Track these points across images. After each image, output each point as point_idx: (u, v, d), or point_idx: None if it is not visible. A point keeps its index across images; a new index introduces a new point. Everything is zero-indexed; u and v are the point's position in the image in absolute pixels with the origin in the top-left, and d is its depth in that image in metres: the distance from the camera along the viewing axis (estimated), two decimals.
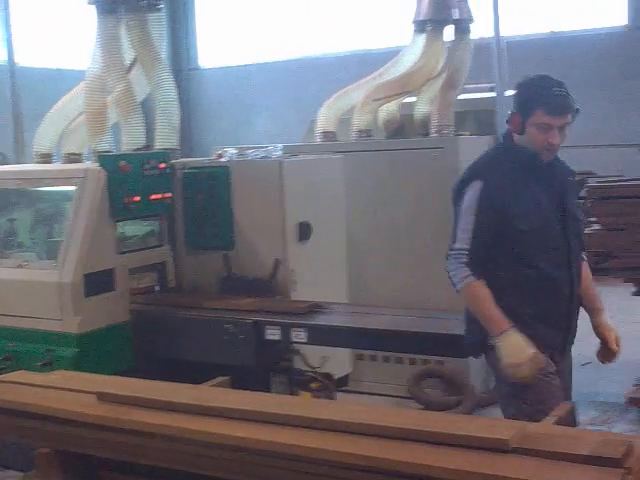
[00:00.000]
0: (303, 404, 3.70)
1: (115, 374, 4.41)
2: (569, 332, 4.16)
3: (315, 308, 5.49)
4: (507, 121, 4.09)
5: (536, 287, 3.98)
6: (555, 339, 4.09)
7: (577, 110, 4.01)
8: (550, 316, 4.03)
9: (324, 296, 5.97)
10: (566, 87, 4.02)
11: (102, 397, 3.49)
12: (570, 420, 3.70)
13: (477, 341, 4.09)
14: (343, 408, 3.39)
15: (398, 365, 7.07)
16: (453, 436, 2.84)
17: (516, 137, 4.05)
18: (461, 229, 3.99)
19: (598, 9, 15.47)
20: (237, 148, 6.64)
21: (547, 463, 2.72)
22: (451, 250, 4.02)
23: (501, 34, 7.39)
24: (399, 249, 7.20)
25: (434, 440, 2.85)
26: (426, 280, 6.97)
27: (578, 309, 4.18)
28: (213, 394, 3.49)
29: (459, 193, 4.06)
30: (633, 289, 6.56)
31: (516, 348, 3.82)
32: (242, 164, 6.28)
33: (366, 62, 10.92)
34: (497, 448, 2.77)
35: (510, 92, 7.73)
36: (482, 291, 3.91)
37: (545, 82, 4.05)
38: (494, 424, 3.01)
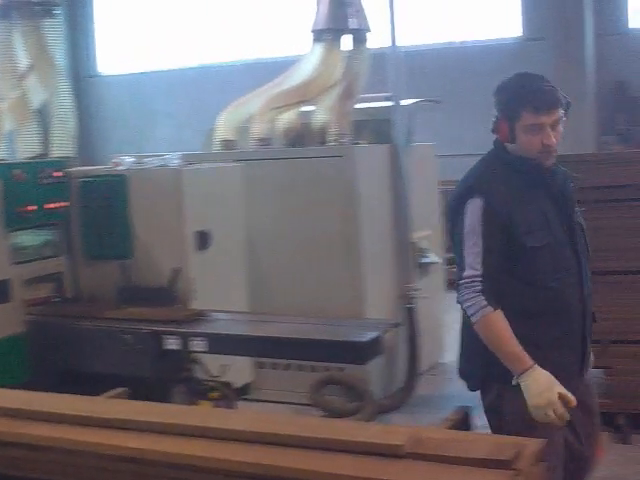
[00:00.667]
0: (197, 413, 3.69)
1: (11, 387, 4.33)
2: (585, 355, 3.82)
3: (199, 316, 5.48)
4: (493, 130, 3.78)
5: (549, 310, 3.64)
6: (572, 365, 3.76)
7: (568, 103, 3.71)
8: (565, 340, 3.70)
9: (225, 304, 5.98)
10: (549, 80, 3.73)
11: None
12: (465, 425, 3.78)
13: (477, 376, 3.83)
14: (238, 417, 3.40)
15: (299, 373, 7.09)
16: (347, 442, 2.87)
17: (509, 146, 3.71)
18: (469, 254, 3.59)
19: (494, 20, 15.81)
20: (135, 157, 6.60)
21: (440, 467, 2.76)
22: (461, 280, 3.61)
23: (400, 44, 7.48)
24: (299, 257, 7.23)
25: (329, 447, 2.87)
26: (326, 288, 7.04)
27: (591, 329, 3.86)
28: (108, 405, 3.46)
29: (457, 213, 3.65)
30: None
31: (544, 387, 3.47)
32: (140, 173, 6.24)
33: (266, 70, 10.92)
34: (391, 453, 2.81)
35: (406, 101, 7.88)
36: (501, 324, 3.53)
37: (525, 79, 3.77)
38: (389, 430, 3.05)
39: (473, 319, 3.57)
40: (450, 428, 3.52)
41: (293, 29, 16.14)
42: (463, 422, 3.83)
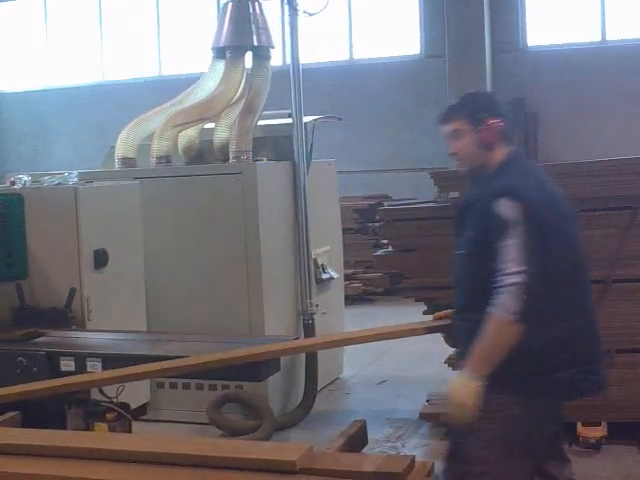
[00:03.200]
0: (92, 437, 3.66)
1: None
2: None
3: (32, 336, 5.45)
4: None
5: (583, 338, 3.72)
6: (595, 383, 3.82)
7: (478, 119, 3.80)
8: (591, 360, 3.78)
9: (122, 324, 5.92)
10: (465, 98, 3.93)
11: None
12: (360, 438, 3.82)
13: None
14: (131, 438, 3.38)
15: (198, 391, 7.05)
16: (241, 460, 2.88)
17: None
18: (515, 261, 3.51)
19: (394, 38, 16.06)
20: (31, 175, 6.50)
21: None
22: (504, 285, 3.50)
23: (303, 61, 7.54)
24: (199, 274, 7.21)
25: (223, 465, 2.88)
26: (225, 305, 7.03)
27: None
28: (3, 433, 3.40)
29: (500, 221, 3.57)
30: (424, 308, 6.80)
31: (475, 393, 3.50)
32: (36, 191, 6.14)
33: (167, 88, 10.91)
34: (284, 470, 2.83)
35: (308, 118, 7.94)
36: (514, 337, 3.49)
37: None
38: (283, 447, 3.08)
39: (501, 312, 3.47)
40: (346, 441, 3.56)
41: (194, 46, 16.15)
42: (360, 435, 3.87)
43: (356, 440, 3.77)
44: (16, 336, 5.48)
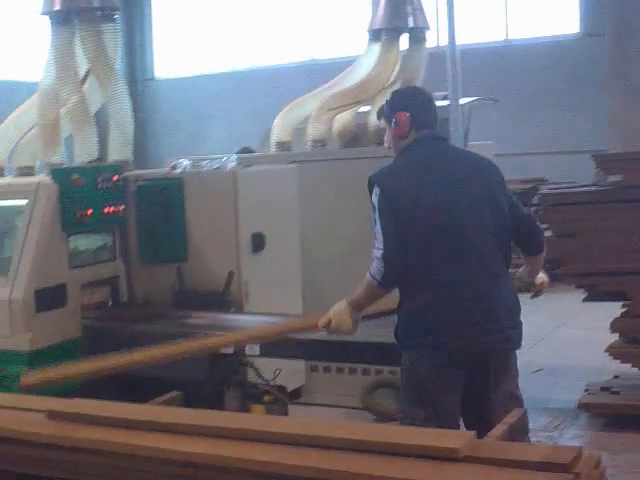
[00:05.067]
0: (252, 418, 3.69)
1: (66, 390, 4.36)
2: None
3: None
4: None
5: None
6: None
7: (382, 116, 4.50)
8: None
9: (278, 308, 5.96)
10: (386, 100, 4.57)
11: (52, 416, 3.45)
12: (521, 427, 3.73)
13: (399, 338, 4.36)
14: (292, 421, 3.38)
15: (351, 376, 7.05)
16: (402, 446, 2.84)
17: None
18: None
19: (551, 17, 15.66)
20: (191, 159, 6.62)
21: (498, 470, 2.73)
22: (372, 258, 4.32)
23: (458, 42, 7.43)
24: (353, 259, 7.18)
25: (384, 451, 2.85)
26: None
27: None
28: (163, 411, 3.46)
29: (371, 205, 4.34)
30: (584, 295, 6.60)
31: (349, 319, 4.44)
32: (196, 176, 6.26)
33: (320, 71, 10.95)
34: (447, 457, 2.78)
35: (464, 100, 7.82)
36: (378, 296, 4.41)
37: None
38: (445, 434, 3.02)
39: (369, 277, 4.30)
40: (507, 431, 3.46)
41: (348, 29, 16.13)
42: (521, 424, 3.78)
43: (517, 429, 3.67)
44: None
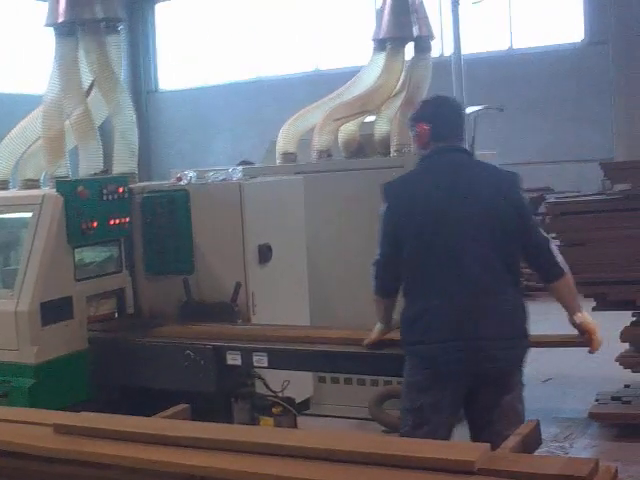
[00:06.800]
0: (261, 431, 3.66)
1: (73, 403, 4.33)
2: None
3: None
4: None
5: None
6: None
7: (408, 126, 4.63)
8: None
9: (285, 319, 5.93)
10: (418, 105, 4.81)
11: (59, 429, 3.42)
12: (534, 438, 3.68)
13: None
14: (303, 434, 3.34)
15: (360, 387, 7.03)
16: (417, 459, 2.80)
17: None
18: None
19: (555, 26, 15.65)
20: (196, 171, 6.59)
21: None
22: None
23: (463, 51, 7.41)
24: (360, 270, 7.14)
25: (397, 463, 2.81)
26: None
27: None
28: (170, 425, 3.43)
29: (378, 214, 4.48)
30: (593, 304, 6.56)
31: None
32: (202, 187, 6.22)
33: (325, 82, 10.94)
34: (462, 470, 2.74)
35: (470, 109, 7.80)
36: (378, 303, 4.71)
37: None
38: (456, 446, 2.99)
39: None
40: (520, 442, 3.42)
41: (352, 39, 16.12)
42: (534, 435, 3.73)
43: (530, 440, 3.63)
44: None
